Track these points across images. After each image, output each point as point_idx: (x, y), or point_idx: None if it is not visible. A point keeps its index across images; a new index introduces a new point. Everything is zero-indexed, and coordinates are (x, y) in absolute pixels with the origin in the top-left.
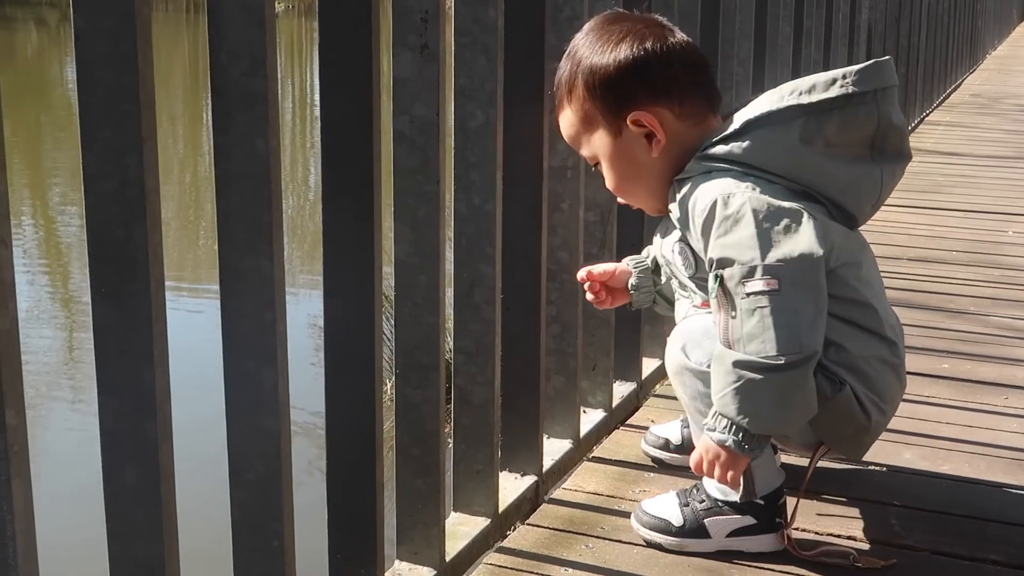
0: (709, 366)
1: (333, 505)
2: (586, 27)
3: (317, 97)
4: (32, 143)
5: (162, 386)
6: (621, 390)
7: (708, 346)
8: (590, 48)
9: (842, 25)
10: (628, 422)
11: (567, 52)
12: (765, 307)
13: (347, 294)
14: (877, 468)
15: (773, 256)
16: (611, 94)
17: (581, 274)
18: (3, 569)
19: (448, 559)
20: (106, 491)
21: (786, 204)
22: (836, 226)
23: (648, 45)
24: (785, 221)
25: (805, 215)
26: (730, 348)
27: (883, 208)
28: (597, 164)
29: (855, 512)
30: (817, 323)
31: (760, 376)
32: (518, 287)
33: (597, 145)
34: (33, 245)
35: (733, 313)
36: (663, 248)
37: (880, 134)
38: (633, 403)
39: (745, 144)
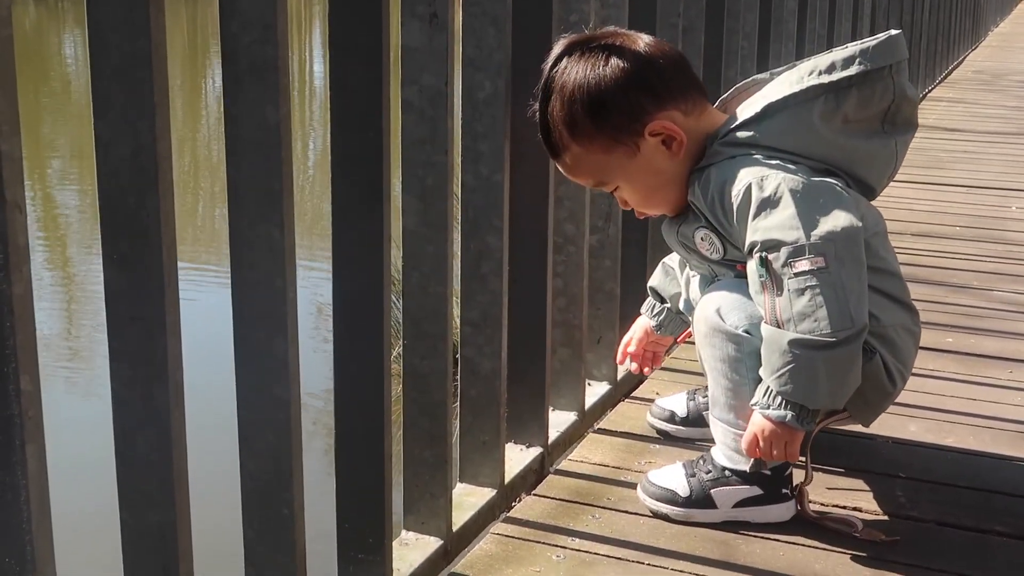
0: (746, 331)
1: (341, 475)
2: (553, 59)
3: (316, 69)
4: (31, 117)
5: (174, 353)
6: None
7: (745, 311)
8: (576, 77)
9: None
10: (633, 395)
11: (545, 89)
12: (815, 286)
13: (356, 264)
14: (883, 440)
15: (816, 234)
16: (619, 115)
17: (621, 359)
18: (17, 533)
19: (455, 529)
20: (117, 458)
21: (819, 180)
22: (861, 198)
23: (631, 54)
24: (822, 198)
25: (839, 190)
26: (779, 328)
27: None
28: (615, 189)
29: (861, 484)
30: (863, 296)
31: (816, 354)
32: (525, 259)
33: (616, 171)
34: (31, 217)
35: (779, 293)
36: (681, 237)
37: (894, 107)
38: (638, 376)
39: (768, 127)
